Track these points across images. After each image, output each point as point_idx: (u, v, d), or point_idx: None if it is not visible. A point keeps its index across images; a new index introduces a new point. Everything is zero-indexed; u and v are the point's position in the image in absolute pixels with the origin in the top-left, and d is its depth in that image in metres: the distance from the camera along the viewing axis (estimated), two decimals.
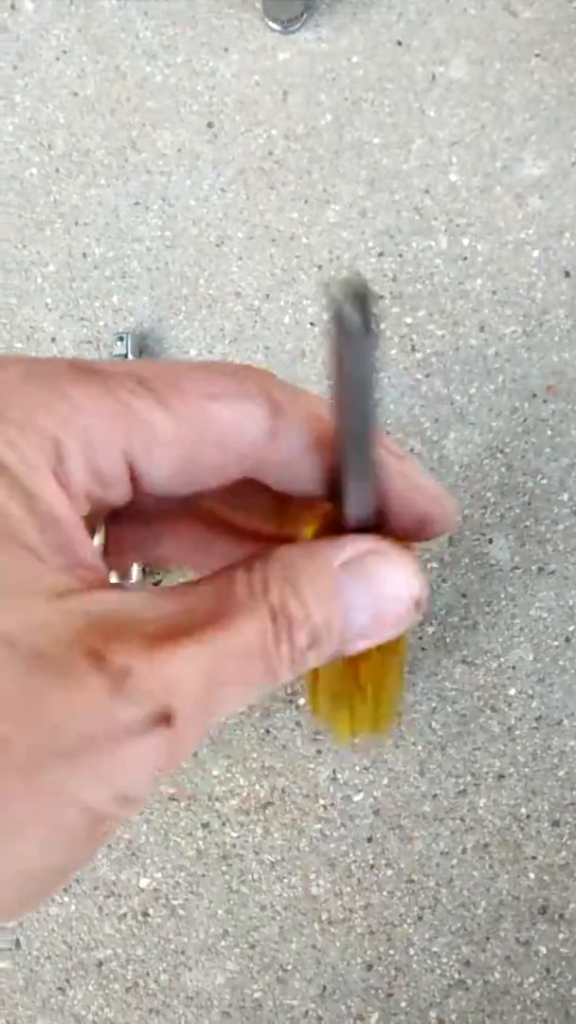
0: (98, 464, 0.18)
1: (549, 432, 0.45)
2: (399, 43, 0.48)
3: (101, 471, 0.18)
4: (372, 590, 0.20)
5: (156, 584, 0.44)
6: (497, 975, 0.42)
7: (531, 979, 0.42)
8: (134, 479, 0.19)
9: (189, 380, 0.19)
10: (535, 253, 0.46)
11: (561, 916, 0.43)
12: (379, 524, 0.21)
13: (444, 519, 0.21)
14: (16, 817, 0.17)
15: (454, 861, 0.43)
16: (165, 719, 0.17)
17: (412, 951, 0.42)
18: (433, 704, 0.44)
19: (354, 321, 0.16)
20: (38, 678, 0.17)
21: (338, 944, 0.42)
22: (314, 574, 0.19)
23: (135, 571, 0.43)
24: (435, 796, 0.43)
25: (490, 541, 0.45)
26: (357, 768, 0.43)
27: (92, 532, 0.20)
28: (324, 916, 0.43)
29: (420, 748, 0.43)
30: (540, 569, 0.44)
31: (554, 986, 0.42)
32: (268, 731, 0.43)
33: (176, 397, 0.19)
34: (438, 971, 0.42)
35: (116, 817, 0.17)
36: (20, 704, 0.17)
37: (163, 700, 0.17)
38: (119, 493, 0.19)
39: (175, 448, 0.19)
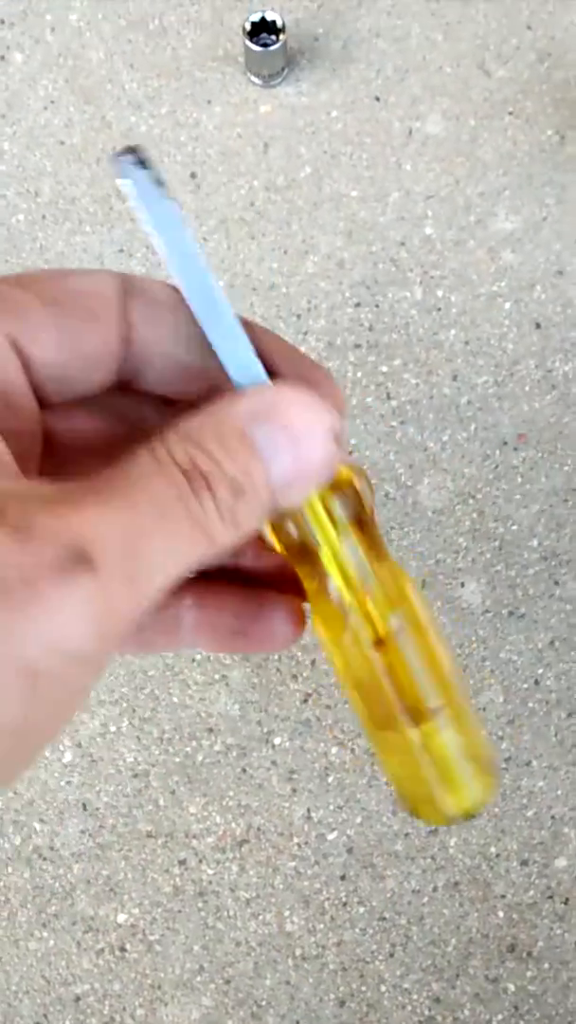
0: None
1: (519, 479, 0.46)
2: (377, 99, 0.50)
3: None
4: (285, 433, 0.20)
5: None
6: (467, 1012, 0.43)
7: (500, 1016, 0.43)
8: (25, 364, 0.21)
9: (48, 274, 0.22)
10: (507, 305, 0.48)
11: (529, 954, 0.44)
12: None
13: (327, 382, 0.22)
14: None
15: (425, 899, 0.44)
16: (84, 560, 0.17)
17: (384, 988, 0.43)
18: None
19: (140, 175, 0.19)
20: None
21: (311, 980, 0.43)
22: (218, 429, 0.20)
23: None
24: (407, 835, 0.44)
25: (462, 585, 0.46)
26: (331, 807, 0.44)
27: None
28: (298, 952, 0.44)
29: (393, 788, 0.44)
30: (511, 613, 0.46)
31: (522, 1023, 0.43)
32: (244, 770, 0.44)
33: (40, 284, 0.21)
34: (409, 1008, 0.43)
35: (66, 675, 0.17)
36: None
37: (75, 542, 0.17)
38: (11, 379, 0.20)
39: (45, 316, 0.21)
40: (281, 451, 0.20)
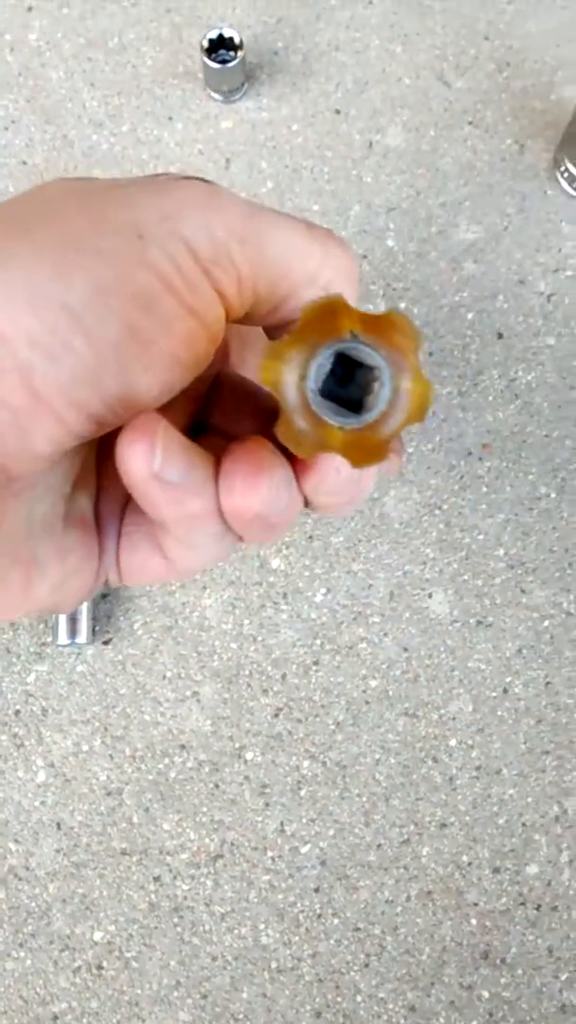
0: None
1: (484, 489, 0.47)
2: (337, 111, 0.50)
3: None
4: None
5: (105, 643, 0.45)
6: (442, 1020, 0.44)
7: (475, 1023, 0.44)
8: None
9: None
10: (469, 315, 0.48)
11: (503, 961, 0.44)
12: None
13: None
14: (72, 206, 0.20)
15: (399, 909, 0.44)
16: (199, 178, 0.21)
17: (359, 998, 0.44)
18: (377, 756, 0.45)
19: None
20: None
21: (287, 992, 0.44)
22: None
23: (85, 629, 0.44)
24: (379, 846, 0.44)
25: (430, 596, 0.46)
26: (304, 820, 0.45)
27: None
28: (274, 965, 0.44)
29: (364, 799, 0.45)
30: (478, 622, 0.46)
31: None
32: (217, 785, 0.45)
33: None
34: (384, 1017, 0.44)
35: (160, 243, 0.20)
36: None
37: (195, 175, 0.23)
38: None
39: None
40: None
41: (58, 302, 0.19)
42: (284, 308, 0.22)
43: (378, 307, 0.48)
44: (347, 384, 0.20)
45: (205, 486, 0.21)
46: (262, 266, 0.21)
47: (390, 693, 0.45)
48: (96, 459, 0.25)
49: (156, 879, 0.44)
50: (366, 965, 0.44)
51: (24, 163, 0.50)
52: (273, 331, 0.24)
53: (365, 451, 0.19)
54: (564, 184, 0.49)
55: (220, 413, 0.26)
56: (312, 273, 0.22)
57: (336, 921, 0.44)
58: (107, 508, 0.25)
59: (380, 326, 0.19)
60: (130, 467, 0.20)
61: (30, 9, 0.51)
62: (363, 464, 0.20)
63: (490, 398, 0.47)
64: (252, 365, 0.28)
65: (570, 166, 0.48)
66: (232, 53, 0.48)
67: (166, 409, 0.24)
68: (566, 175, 0.48)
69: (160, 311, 0.20)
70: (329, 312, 0.19)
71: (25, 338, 0.19)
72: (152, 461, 0.20)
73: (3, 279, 0.19)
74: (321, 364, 0.19)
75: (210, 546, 0.23)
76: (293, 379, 0.19)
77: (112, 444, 0.21)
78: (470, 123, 0.50)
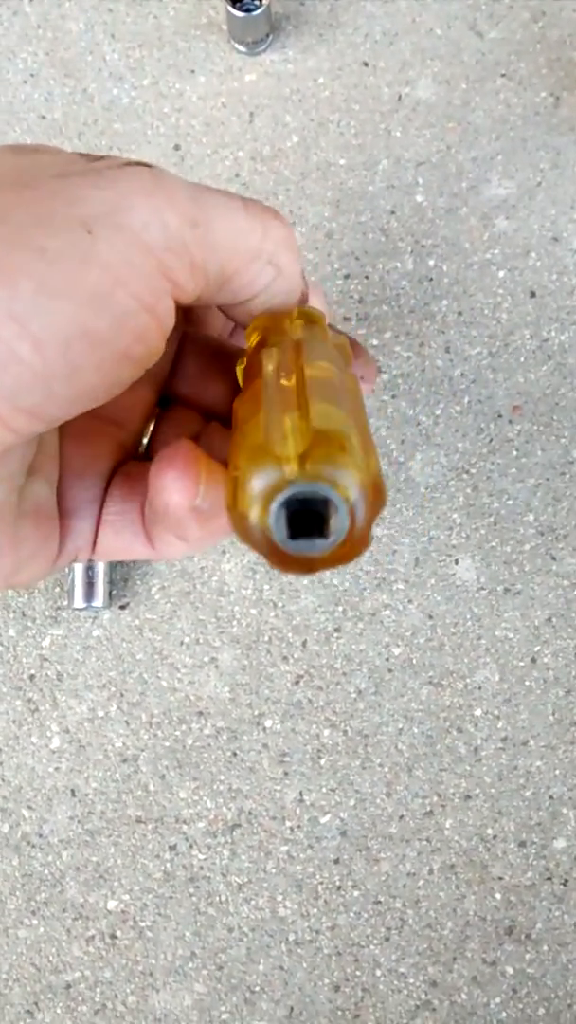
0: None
1: (514, 452, 0.45)
2: (365, 64, 0.48)
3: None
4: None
5: (122, 608, 0.44)
6: (464, 996, 0.42)
7: (497, 999, 0.42)
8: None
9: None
10: (501, 274, 0.46)
11: (527, 936, 0.43)
12: None
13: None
14: (13, 203, 0.18)
15: (420, 882, 0.43)
16: (141, 163, 0.20)
17: (379, 972, 0.43)
18: (400, 725, 0.44)
19: None
20: (27, 155, 0.20)
21: (305, 965, 0.43)
22: None
23: (101, 593, 0.43)
24: (401, 817, 0.43)
25: (456, 562, 0.45)
26: (324, 790, 0.43)
27: None
28: (291, 937, 0.43)
29: (387, 769, 0.43)
30: (506, 590, 0.44)
31: (520, 1006, 0.42)
32: (235, 753, 0.44)
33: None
34: (405, 992, 0.43)
35: (117, 242, 0.19)
36: (7, 162, 0.20)
37: (133, 160, 0.20)
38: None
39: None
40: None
41: (4, 310, 0.18)
42: (231, 286, 0.22)
43: (405, 264, 0.46)
44: (305, 518, 0.20)
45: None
46: (212, 248, 0.21)
47: (414, 661, 0.44)
48: (60, 443, 0.24)
49: (172, 848, 0.43)
50: (386, 939, 0.43)
51: (43, 117, 0.49)
52: (225, 308, 0.24)
53: (346, 551, 0.20)
54: None
55: (188, 382, 0.26)
56: (256, 248, 0.22)
57: (356, 893, 0.43)
58: (76, 493, 0.24)
59: (316, 448, 0.19)
60: (170, 500, 0.21)
61: None
62: (352, 557, 0.20)
63: (521, 359, 0.46)
64: (216, 322, 0.28)
65: None
66: (257, 2, 0.46)
67: (131, 390, 0.23)
68: None
69: (111, 309, 0.19)
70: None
71: None
72: (195, 496, 0.21)
73: None
74: (277, 517, 0.19)
75: (209, 541, 0.23)
76: (256, 519, 0.19)
77: (79, 429, 0.22)
78: (503, 75, 0.48)
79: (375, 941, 0.43)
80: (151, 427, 0.26)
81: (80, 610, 0.43)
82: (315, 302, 0.25)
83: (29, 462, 0.22)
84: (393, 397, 0.46)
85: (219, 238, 0.21)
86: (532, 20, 0.49)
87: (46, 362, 0.18)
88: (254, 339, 0.24)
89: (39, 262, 0.18)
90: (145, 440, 0.26)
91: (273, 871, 0.43)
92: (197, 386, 0.26)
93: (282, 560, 0.19)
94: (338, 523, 0.19)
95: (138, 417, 0.25)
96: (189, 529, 0.21)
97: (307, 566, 0.20)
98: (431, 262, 0.47)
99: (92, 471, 0.24)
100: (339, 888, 0.43)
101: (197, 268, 0.20)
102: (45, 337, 0.18)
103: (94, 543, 0.24)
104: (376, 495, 0.19)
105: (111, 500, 0.24)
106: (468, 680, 0.44)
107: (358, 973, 0.43)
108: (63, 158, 0.20)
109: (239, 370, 0.24)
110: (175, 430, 0.26)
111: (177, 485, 0.20)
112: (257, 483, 0.19)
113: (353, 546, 0.19)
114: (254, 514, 0.19)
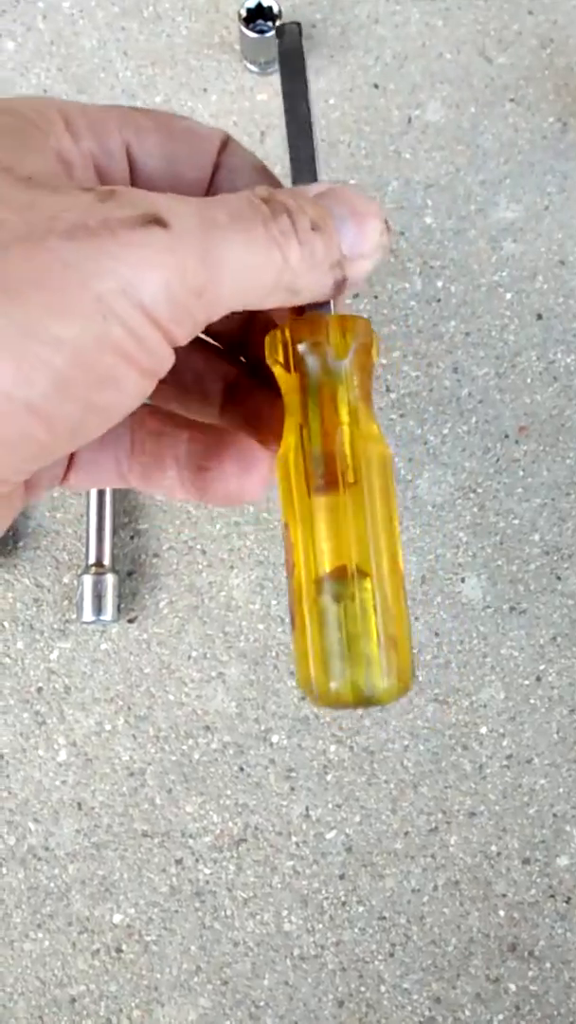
0: (103, 139, 0.23)
1: (521, 472, 0.46)
2: (375, 86, 0.49)
3: (107, 146, 0.23)
4: (351, 210, 0.23)
5: (131, 621, 0.45)
6: (467, 1012, 0.43)
7: (500, 1016, 0.43)
8: (131, 167, 0.24)
9: (168, 113, 0.26)
10: (508, 296, 0.47)
11: (531, 954, 0.43)
12: None
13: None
14: (26, 279, 0.18)
15: (425, 898, 0.43)
16: (158, 221, 0.20)
17: (383, 988, 0.43)
18: (405, 742, 0.44)
19: (288, 38, 0.26)
20: (33, 190, 0.20)
21: (310, 980, 0.43)
22: (293, 191, 0.23)
23: (110, 606, 0.43)
24: (407, 833, 0.44)
25: (463, 580, 0.45)
26: (330, 806, 0.44)
27: None
28: (296, 952, 0.43)
29: (392, 786, 0.44)
30: (512, 608, 0.45)
31: (524, 1023, 0.43)
32: (242, 768, 0.44)
33: (158, 115, 0.25)
34: (408, 1008, 0.43)
35: (122, 319, 0.19)
36: (15, 201, 0.19)
37: (151, 207, 0.20)
38: (120, 169, 0.24)
39: (157, 136, 0.24)
40: (348, 223, 0.23)
41: (21, 402, 0.19)
42: (246, 314, 0.24)
43: (414, 285, 0.47)
44: None
45: None
46: (218, 304, 0.21)
47: (420, 678, 0.44)
48: None
49: (178, 862, 0.43)
50: (391, 955, 0.43)
51: None
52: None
53: None
54: None
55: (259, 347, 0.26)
56: (270, 284, 0.22)
57: (361, 909, 0.43)
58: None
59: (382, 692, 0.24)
60: (248, 499, 0.27)
61: None
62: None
63: (528, 380, 0.46)
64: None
65: None
66: (270, 23, 0.47)
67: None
68: None
69: (118, 383, 0.20)
70: None
71: None
72: (260, 485, 0.27)
73: None
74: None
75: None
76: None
77: None
78: (511, 100, 0.49)
79: (379, 957, 0.43)
80: None
81: (88, 623, 0.43)
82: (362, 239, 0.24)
83: None
84: (401, 416, 0.46)
85: (227, 292, 0.21)
86: (540, 47, 0.49)
87: (55, 437, 0.20)
88: (279, 344, 0.25)
89: (56, 355, 0.18)
90: None
91: (279, 886, 0.43)
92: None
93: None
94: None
95: None
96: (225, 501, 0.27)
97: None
98: (439, 283, 0.47)
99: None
100: (344, 904, 0.43)
101: (199, 324, 0.21)
102: (57, 419, 0.19)
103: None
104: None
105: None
106: (473, 698, 0.44)
107: (362, 989, 0.43)
108: (71, 200, 0.20)
109: (268, 345, 0.25)
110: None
111: (255, 492, 0.27)
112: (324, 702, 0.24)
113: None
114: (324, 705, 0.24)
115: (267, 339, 0.25)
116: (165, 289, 0.19)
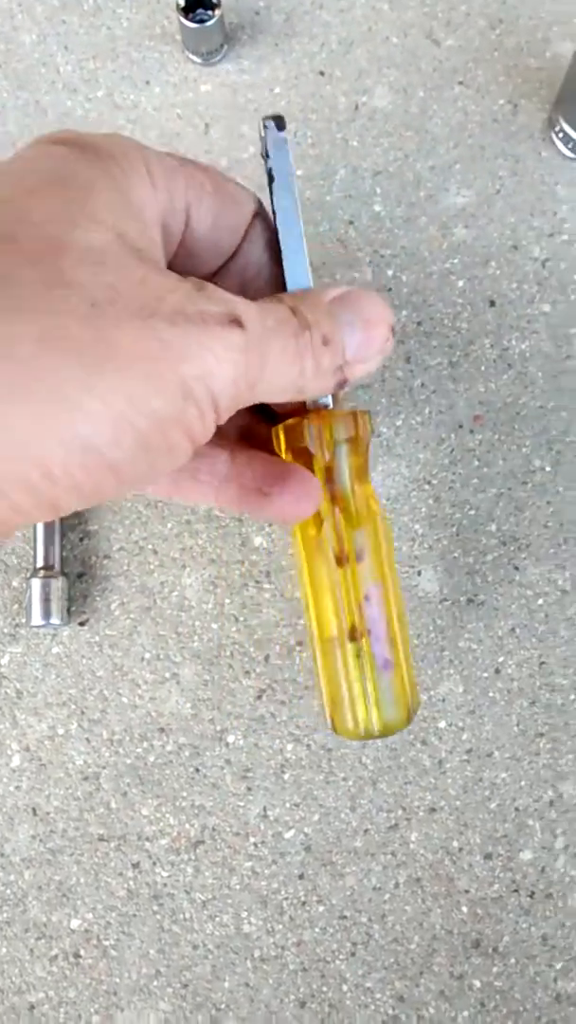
0: (174, 195, 0.26)
1: (476, 463, 0.45)
2: (321, 73, 0.48)
3: (175, 204, 0.26)
4: (358, 313, 0.27)
5: (82, 624, 0.44)
6: (431, 1010, 0.42)
7: (465, 1013, 0.42)
8: (187, 223, 0.27)
9: (217, 171, 0.29)
10: (460, 283, 0.46)
11: (495, 950, 0.42)
12: None
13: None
14: (133, 352, 0.21)
15: (386, 896, 0.43)
16: (237, 322, 0.22)
17: (345, 987, 0.42)
18: None
19: (272, 128, 0.30)
20: (144, 266, 0.22)
21: (271, 981, 0.42)
22: (313, 302, 0.26)
23: (59, 610, 0.43)
24: (366, 831, 0.43)
25: (419, 573, 0.44)
26: (288, 805, 0.43)
27: None
28: (256, 954, 0.43)
29: (351, 783, 0.43)
30: (469, 600, 0.44)
31: (488, 1019, 0.42)
32: (198, 770, 0.43)
33: (213, 173, 0.28)
34: (372, 1007, 0.42)
35: (197, 401, 0.22)
36: (132, 275, 0.22)
37: (233, 308, 0.23)
38: (178, 229, 0.27)
39: (211, 200, 0.27)
40: (356, 330, 0.27)
41: (107, 462, 0.21)
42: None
43: (364, 275, 0.46)
44: None
45: None
46: (256, 398, 0.25)
47: None
48: None
49: (135, 866, 0.43)
50: (352, 954, 0.42)
51: None
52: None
53: None
54: (559, 145, 0.47)
55: None
56: (289, 387, 0.26)
57: (321, 908, 0.43)
58: None
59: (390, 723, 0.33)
60: (299, 518, 0.30)
61: None
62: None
63: (482, 368, 0.45)
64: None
65: (565, 126, 0.46)
66: (210, 12, 0.46)
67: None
68: (561, 136, 0.46)
69: (175, 451, 0.23)
70: None
71: (67, 483, 0.21)
72: (312, 509, 0.30)
73: (66, 428, 0.20)
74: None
75: None
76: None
77: None
78: (461, 83, 0.48)
79: (341, 956, 0.43)
80: None
81: (38, 627, 0.43)
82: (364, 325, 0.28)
83: None
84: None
85: (265, 389, 0.25)
86: (489, 27, 0.48)
87: (117, 490, 0.22)
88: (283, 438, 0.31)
89: (144, 422, 0.21)
90: None
91: (237, 887, 0.43)
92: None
93: None
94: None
95: None
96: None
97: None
98: (390, 272, 0.46)
99: None
100: (304, 903, 0.43)
101: (238, 409, 0.25)
102: (126, 478, 0.22)
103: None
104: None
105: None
106: (432, 692, 0.44)
107: (324, 989, 0.42)
108: (173, 284, 0.22)
109: (275, 435, 0.32)
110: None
111: (303, 514, 0.30)
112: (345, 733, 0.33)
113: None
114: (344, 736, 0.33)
115: (272, 433, 0.31)
116: (232, 383, 0.23)
